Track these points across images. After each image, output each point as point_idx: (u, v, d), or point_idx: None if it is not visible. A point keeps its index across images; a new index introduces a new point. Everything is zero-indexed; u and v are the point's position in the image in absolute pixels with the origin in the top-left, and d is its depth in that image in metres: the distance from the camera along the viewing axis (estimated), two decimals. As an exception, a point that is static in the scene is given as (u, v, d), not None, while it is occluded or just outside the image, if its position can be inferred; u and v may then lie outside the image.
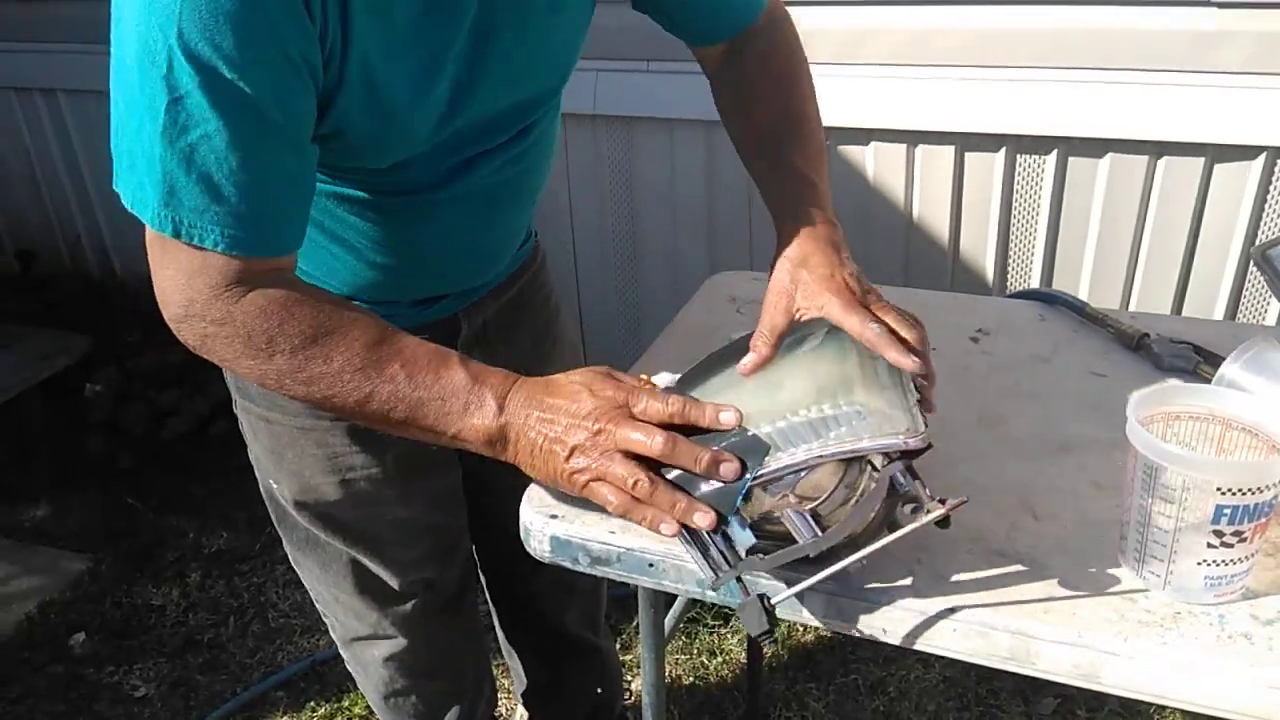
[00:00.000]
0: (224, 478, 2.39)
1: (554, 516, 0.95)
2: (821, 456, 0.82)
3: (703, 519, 0.80)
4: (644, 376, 0.90)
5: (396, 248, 1.02)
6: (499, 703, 1.86)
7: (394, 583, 1.23)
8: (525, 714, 1.70)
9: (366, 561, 1.21)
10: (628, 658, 1.92)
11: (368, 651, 1.32)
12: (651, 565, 0.92)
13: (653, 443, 0.80)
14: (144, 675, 1.97)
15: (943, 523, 0.81)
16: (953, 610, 0.82)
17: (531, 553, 0.97)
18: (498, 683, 1.90)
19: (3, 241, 3.31)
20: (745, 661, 1.89)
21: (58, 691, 1.94)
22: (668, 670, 1.93)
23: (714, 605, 1.83)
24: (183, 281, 0.82)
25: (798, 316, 0.93)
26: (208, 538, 2.27)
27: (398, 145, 0.92)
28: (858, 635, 0.86)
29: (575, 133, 2.44)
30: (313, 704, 1.89)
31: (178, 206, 0.79)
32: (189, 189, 0.78)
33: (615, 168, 2.49)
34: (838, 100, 1.88)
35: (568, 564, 0.96)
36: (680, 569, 0.91)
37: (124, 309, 2.88)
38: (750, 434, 0.83)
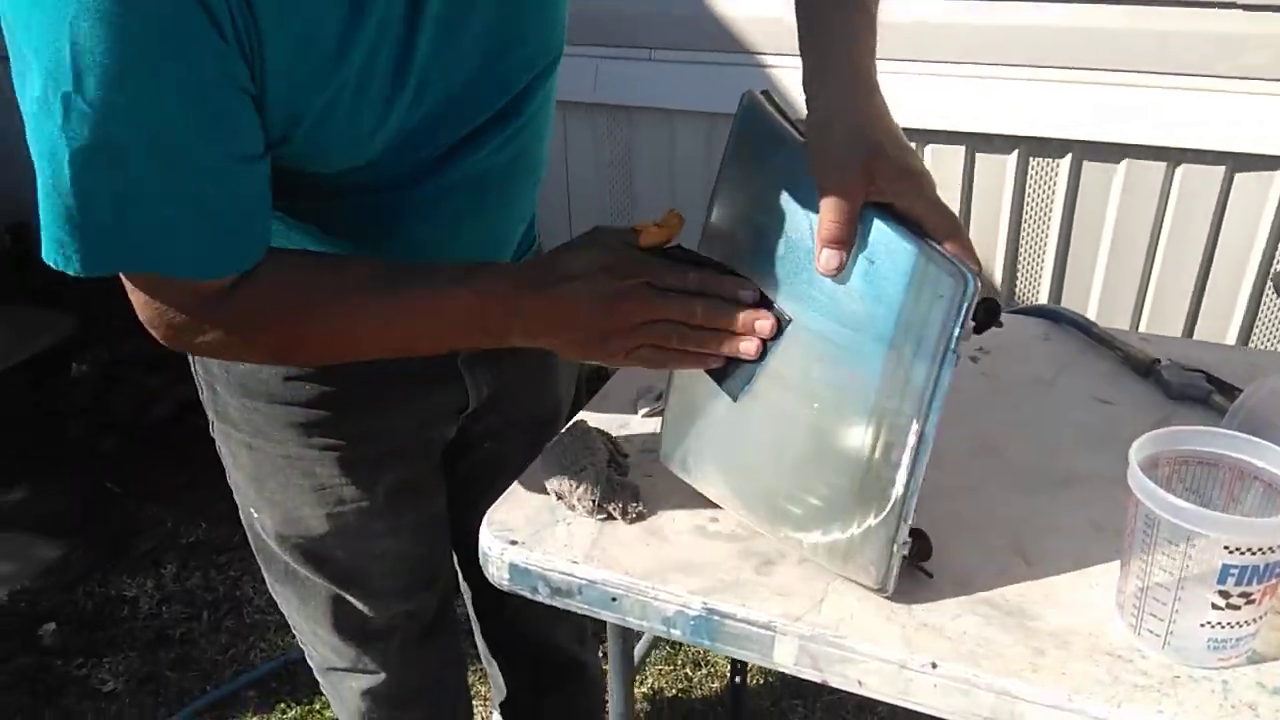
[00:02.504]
0: (206, 467, 2.30)
1: (513, 542, 0.90)
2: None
3: (749, 346, 0.81)
4: (638, 228, 0.84)
5: (380, 253, 0.94)
6: (475, 712, 1.80)
7: (376, 616, 1.17)
8: (501, 724, 1.65)
9: (348, 596, 1.15)
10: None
11: (344, 683, 1.26)
12: (614, 600, 0.86)
13: (691, 310, 0.81)
14: (113, 669, 1.92)
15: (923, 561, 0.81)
16: (934, 665, 0.76)
17: (490, 579, 0.92)
18: (474, 689, 1.85)
19: (-2, 216, 3.26)
20: (730, 674, 1.83)
21: (24, 684, 1.89)
22: (650, 681, 1.88)
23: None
24: (155, 305, 0.81)
25: (871, 197, 0.78)
26: (185, 527, 2.21)
27: (346, 146, 0.84)
28: (833, 686, 0.80)
29: (574, 121, 2.37)
30: (283, 705, 1.85)
31: (125, 245, 0.75)
32: (136, 228, 0.74)
33: (615, 158, 2.42)
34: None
35: (527, 593, 0.90)
36: (645, 605, 0.85)
37: (115, 288, 2.82)
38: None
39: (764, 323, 0.81)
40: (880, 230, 0.77)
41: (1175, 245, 2.03)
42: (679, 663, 1.91)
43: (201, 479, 2.33)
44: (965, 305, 0.73)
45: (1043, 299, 2.20)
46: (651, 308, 0.80)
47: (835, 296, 0.79)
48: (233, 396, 1.03)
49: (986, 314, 0.79)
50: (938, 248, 0.75)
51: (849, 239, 0.77)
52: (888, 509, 0.78)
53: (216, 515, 2.23)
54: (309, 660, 1.28)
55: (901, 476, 0.77)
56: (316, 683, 1.29)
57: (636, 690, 1.85)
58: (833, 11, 0.85)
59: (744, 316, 0.81)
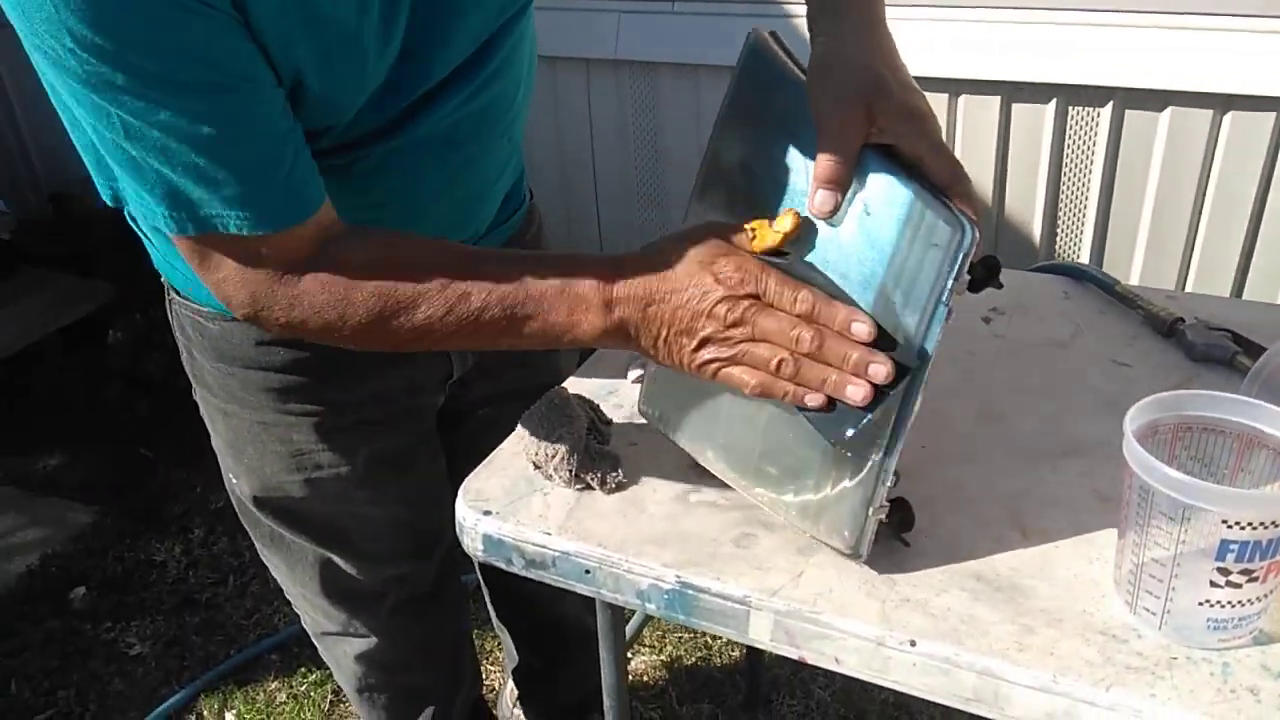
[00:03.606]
0: (237, 431, 2.35)
1: (487, 513, 0.87)
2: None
3: (856, 392, 0.72)
4: (752, 227, 0.77)
5: (351, 212, 0.92)
6: (490, 676, 1.80)
7: (364, 579, 1.16)
8: (515, 691, 1.64)
9: (336, 559, 1.13)
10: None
11: (338, 647, 1.26)
12: (588, 572, 0.83)
13: (799, 338, 0.73)
14: (140, 633, 1.94)
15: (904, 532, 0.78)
16: (912, 643, 0.72)
17: (466, 550, 0.90)
18: (490, 654, 1.85)
19: (39, 184, 3.30)
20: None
21: (54, 647, 1.93)
22: (669, 649, 1.85)
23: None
24: (238, 276, 0.76)
25: (871, 138, 0.75)
26: (214, 492, 2.23)
27: (339, 100, 0.81)
28: (808, 663, 0.77)
29: (597, 79, 2.32)
30: (305, 668, 1.86)
31: (185, 204, 0.72)
32: (184, 183, 0.71)
33: (640, 117, 2.36)
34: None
35: (501, 565, 0.88)
36: (619, 578, 0.82)
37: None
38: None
39: (879, 368, 0.71)
40: (877, 172, 0.73)
41: (1224, 197, 1.93)
42: (698, 630, 1.88)
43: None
44: (961, 257, 0.69)
45: (1084, 258, 2.11)
46: (756, 327, 0.73)
47: (827, 241, 0.75)
48: (208, 360, 1.01)
49: (986, 272, 0.74)
50: (937, 194, 0.71)
51: (845, 180, 0.73)
52: (865, 470, 0.74)
53: (246, 480, 2.23)
54: (304, 625, 1.27)
55: (882, 438, 0.73)
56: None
57: (655, 658, 1.83)
58: None
59: (856, 357, 0.72)
